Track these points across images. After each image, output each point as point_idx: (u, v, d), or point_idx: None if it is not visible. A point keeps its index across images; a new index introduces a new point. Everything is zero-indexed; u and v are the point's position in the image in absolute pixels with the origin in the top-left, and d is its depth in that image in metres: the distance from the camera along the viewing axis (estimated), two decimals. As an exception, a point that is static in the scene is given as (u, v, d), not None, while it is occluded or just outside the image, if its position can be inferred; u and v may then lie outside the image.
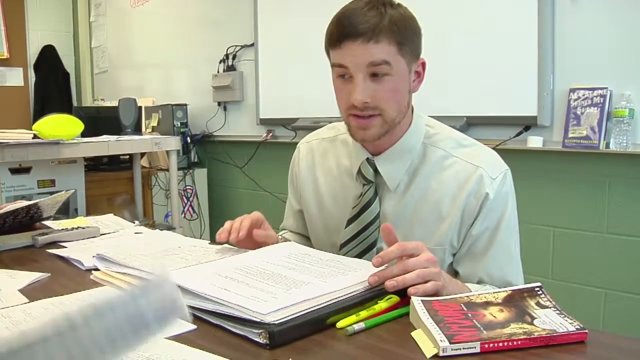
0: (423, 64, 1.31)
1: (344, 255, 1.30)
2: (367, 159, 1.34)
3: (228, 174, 4.25)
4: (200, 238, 2.98)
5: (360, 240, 1.34)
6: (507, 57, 2.50)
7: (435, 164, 1.31)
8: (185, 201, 4.23)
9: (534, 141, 2.45)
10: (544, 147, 2.45)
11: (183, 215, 4.14)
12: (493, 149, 2.48)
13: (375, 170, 1.33)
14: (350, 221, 1.35)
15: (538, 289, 0.96)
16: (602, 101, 2.27)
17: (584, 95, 2.32)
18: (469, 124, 2.61)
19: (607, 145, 2.26)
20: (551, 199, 2.55)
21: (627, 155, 2.28)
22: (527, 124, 2.47)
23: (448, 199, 1.28)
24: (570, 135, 2.35)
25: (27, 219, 1.66)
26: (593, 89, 2.29)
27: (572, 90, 2.35)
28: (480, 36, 2.58)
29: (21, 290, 1.14)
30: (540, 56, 2.39)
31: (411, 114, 1.34)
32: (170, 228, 3.37)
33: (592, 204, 2.44)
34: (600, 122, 2.27)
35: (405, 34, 1.22)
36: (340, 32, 1.21)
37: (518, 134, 2.51)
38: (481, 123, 2.60)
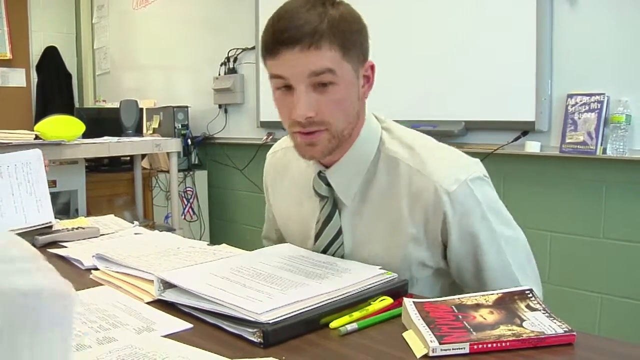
0: (372, 67, 1.18)
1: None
2: (319, 173, 1.23)
3: (228, 176, 4.26)
4: (199, 239, 3.00)
5: (331, 254, 1.25)
6: (505, 62, 2.52)
7: (391, 175, 1.18)
8: (186, 203, 4.25)
9: (532, 146, 2.47)
10: (541, 152, 2.47)
11: (183, 216, 4.16)
12: (491, 153, 2.54)
13: (329, 184, 1.22)
14: (317, 236, 1.26)
15: (528, 291, 0.98)
16: (599, 107, 2.29)
17: (581, 100, 2.33)
18: (467, 129, 2.63)
19: (604, 151, 2.28)
20: (548, 204, 2.56)
21: (623, 161, 2.30)
22: (524, 129, 2.49)
23: (405, 215, 1.16)
24: (567, 140, 2.36)
25: None
26: (590, 95, 2.31)
27: (570, 96, 2.36)
28: (479, 42, 2.60)
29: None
30: (539, 62, 2.41)
31: (362, 120, 1.20)
32: (170, 229, 3.39)
33: (589, 209, 2.46)
34: (597, 127, 2.28)
35: (350, 36, 1.09)
36: (276, 40, 1.07)
37: (516, 139, 2.52)
38: (479, 128, 2.62)
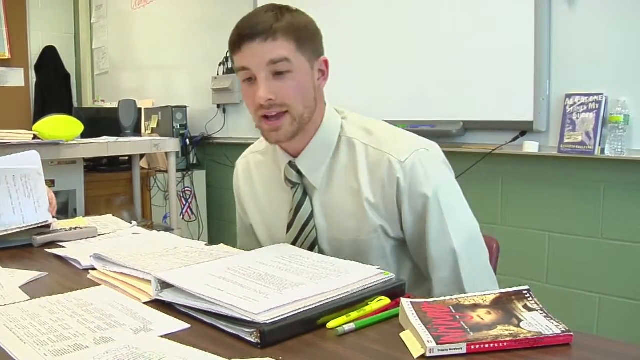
0: (326, 62, 1.34)
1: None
2: (290, 162, 1.37)
3: (227, 176, 4.26)
4: (198, 239, 3.01)
5: (300, 243, 1.37)
6: (503, 62, 2.52)
7: (350, 155, 1.33)
8: (184, 203, 4.25)
9: (530, 146, 2.47)
10: (539, 153, 2.47)
11: (182, 216, 4.16)
12: (489, 154, 2.55)
13: (299, 172, 1.36)
14: (289, 226, 1.38)
15: (526, 292, 0.98)
16: (597, 107, 2.29)
17: (579, 100, 2.34)
18: (465, 129, 2.63)
19: (603, 151, 2.28)
20: (546, 204, 2.57)
21: (621, 161, 2.30)
22: (523, 129, 2.49)
23: (366, 188, 1.30)
24: (565, 140, 2.37)
25: None
26: (589, 95, 2.31)
27: (568, 96, 2.37)
28: (477, 42, 2.60)
29: (21, 288, 1.16)
30: (537, 61, 2.41)
31: (323, 110, 1.35)
32: (169, 229, 3.39)
33: (587, 209, 2.46)
34: (595, 127, 2.29)
35: (303, 33, 1.26)
36: (239, 35, 1.25)
37: (514, 139, 2.52)
38: (477, 128, 2.62)
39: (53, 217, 1.74)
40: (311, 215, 1.36)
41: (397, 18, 2.89)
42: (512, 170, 2.62)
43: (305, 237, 1.37)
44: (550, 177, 2.54)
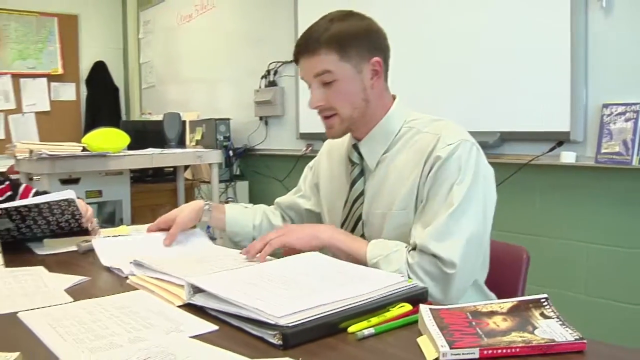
0: (378, 62, 1.43)
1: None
2: (353, 145, 1.52)
3: (269, 187, 4.33)
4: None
5: (351, 215, 1.52)
6: (540, 72, 2.52)
7: (407, 140, 1.46)
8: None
9: (567, 157, 2.46)
10: (576, 163, 2.46)
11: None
12: (526, 164, 2.55)
13: (360, 154, 1.50)
14: (346, 202, 1.54)
15: (544, 300, 1.00)
16: (635, 116, 2.27)
17: (616, 110, 2.32)
18: (502, 140, 2.64)
19: (641, 161, 2.26)
20: (585, 215, 2.54)
21: (660, 171, 2.28)
22: (560, 140, 2.48)
23: (410, 166, 1.41)
24: (603, 150, 2.35)
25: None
26: (626, 104, 2.30)
27: (605, 106, 2.36)
28: (513, 52, 2.61)
29: (66, 291, 1.23)
30: (573, 71, 2.40)
31: (390, 103, 1.49)
32: (212, 238, 3.46)
33: (626, 220, 2.43)
34: (633, 137, 2.27)
35: (348, 42, 1.39)
36: (295, 52, 1.45)
37: (551, 150, 2.52)
38: (514, 139, 2.63)
39: (89, 227, 1.81)
40: (362, 193, 1.50)
41: (432, 29, 2.92)
42: (549, 181, 2.61)
43: (354, 212, 1.51)
44: (587, 188, 2.52)
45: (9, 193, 2.00)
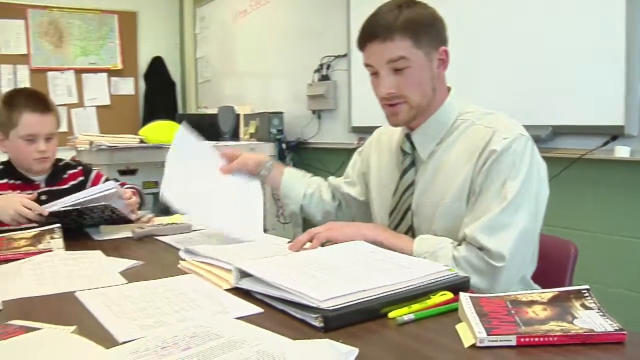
0: (445, 52, 1.43)
1: (391, 221, 1.54)
2: (406, 134, 1.52)
3: (321, 180, 4.35)
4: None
5: (400, 206, 1.52)
6: (593, 65, 2.47)
7: (461, 132, 1.44)
8: (280, 205, 4.39)
9: (621, 151, 2.41)
10: (631, 157, 2.40)
11: (277, 218, 4.31)
12: (579, 159, 2.50)
13: (412, 144, 1.50)
14: (395, 190, 1.54)
15: (585, 291, 1.00)
16: (693, 111, 2.21)
17: (673, 104, 2.26)
18: (554, 134, 2.60)
19: (697, 156, 2.20)
20: (639, 210, 2.48)
21: None
22: (613, 134, 2.42)
23: (463, 159, 1.40)
24: (659, 145, 2.30)
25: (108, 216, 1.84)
26: (683, 98, 2.24)
27: (661, 99, 2.30)
28: (566, 44, 2.56)
29: (121, 273, 1.30)
30: (628, 64, 2.34)
31: (446, 94, 1.48)
32: (264, 230, 3.54)
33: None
34: (690, 132, 2.21)
35: (420, 29, 1.38)
36: (362, 37, 1.42)
37: (605, 144, 2.46)
38: (567, 133, 2.58)
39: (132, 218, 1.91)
40: (412, 183, 1.49)
41: (487, 23, 2.89)
42: (602, 176, 2.56)
43: (404, 201, 1.51)
44: (642, 183, 2.46)
45: (81, 178, 2.11)
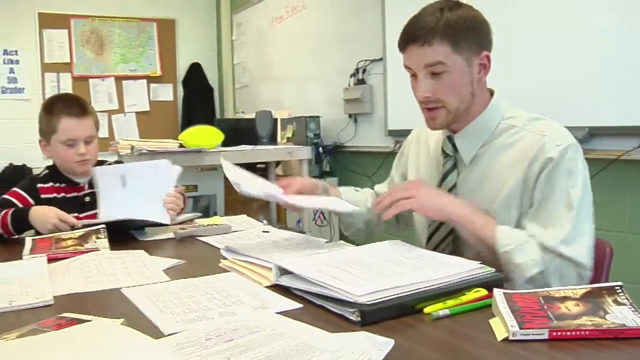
0: (487, 57, 1.42)
1: (430, 223, 1.52)
2: (448, 137, 1.51)
3: (358, 183, 4.30)
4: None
5: None
6: (630, 64, 2.45)
7: (507, 137, 1.43)
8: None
9: (659, 152, 2.38)
10: (670, 159, 2.38)
11: (314, 221, 4.35)
12: (615, 160, 2.48)
13: (454, 147, 1.49)
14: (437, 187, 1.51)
15: (618, 287, 1.01)
16: None
17: None
18: (591, 134, 2.58)
19: None
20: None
21: None
22: (651, 134, 2.41)
23: (513, 165, 1.39)
24: (699, 145, 2.27)
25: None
26: None
27: (702, 99, 2.27)
28: (602, 44, 2.55)
29: (164, 271, 1.36)
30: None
31: (489, 98, 1.48)
32: (301, 232, 3.58)
33: None
34: None
35: (461, 34, 1.36)
36: (403, 39, 1.42)
37: (642, 145, 2.45)
38: (603, 133, 2.56)
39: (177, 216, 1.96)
40: (454, 186, 1.48)
41: (523, 24, 2.89)
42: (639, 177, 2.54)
43: None
44: (682, 184, 2.43)
45: None
